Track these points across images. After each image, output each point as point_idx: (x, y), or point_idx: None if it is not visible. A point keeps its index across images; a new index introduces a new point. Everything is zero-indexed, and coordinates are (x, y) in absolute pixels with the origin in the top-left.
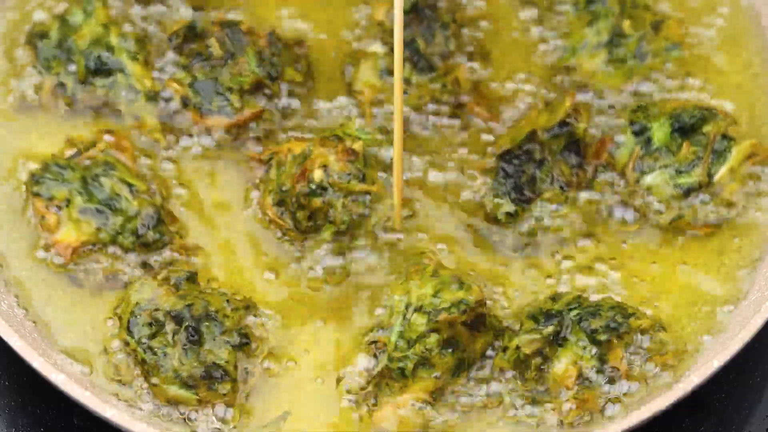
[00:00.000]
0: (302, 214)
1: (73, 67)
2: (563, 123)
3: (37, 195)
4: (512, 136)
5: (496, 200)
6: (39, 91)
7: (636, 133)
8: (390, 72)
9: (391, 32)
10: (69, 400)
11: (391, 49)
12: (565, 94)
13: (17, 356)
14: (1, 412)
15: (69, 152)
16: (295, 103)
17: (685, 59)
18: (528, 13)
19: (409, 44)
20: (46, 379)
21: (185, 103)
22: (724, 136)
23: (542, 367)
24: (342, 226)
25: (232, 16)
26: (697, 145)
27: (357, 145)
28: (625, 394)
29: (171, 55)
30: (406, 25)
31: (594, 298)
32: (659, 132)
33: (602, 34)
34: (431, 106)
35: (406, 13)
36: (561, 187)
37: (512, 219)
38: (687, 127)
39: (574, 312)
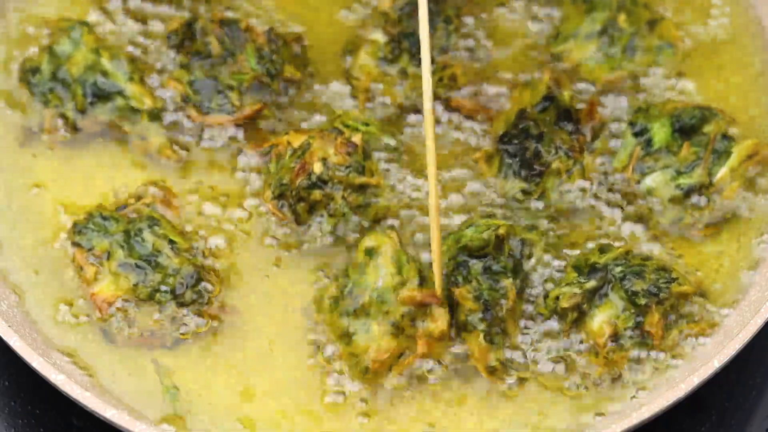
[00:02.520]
0: (302, 207)
1: (70, 98)
2: (547, 97)
3: (78, 245)
4: (503, 119)
5: (508, 181)
6: (41, 126)
7: (636, 134)
8: (388, 60)
9: (394, 22)
10: (68, 400)
11: (392, 39)
12: (543, 69)
13: (17, 356)
14: (0, 412)
15: (115, 205)
16: (296, 99)
17: (683, 58)
18: (526, 4)
19: (409, 35)
20: (46, 379)
21: (185, 101)
22: (725, 136)
23: (577, 321)
24: (341, 219)
25: (229, 13)
26: (697, 145)
27: (356, 137)
28: (653, 360)
29: (170, 54)
30: (409, 16)
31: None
32: (660, 133)
33: (596, 24)
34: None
35: (409, 3)
36: (566, 154)
37: (528, 196)
38: (687, 127)
39: (619, 269)
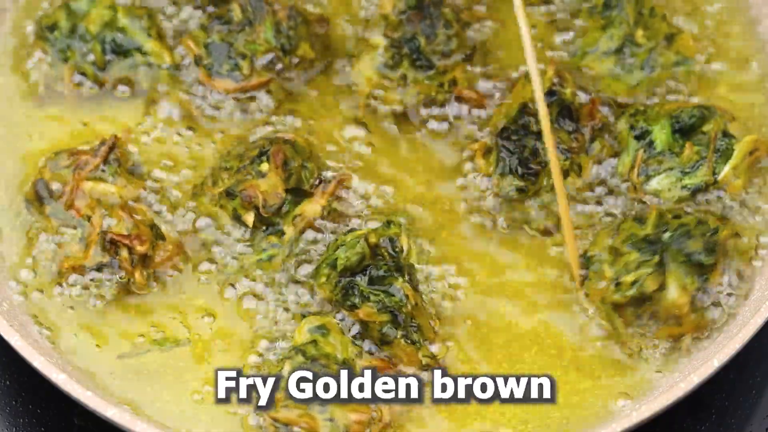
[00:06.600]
0: (233, 204)
1: (90, 54)
2: (550, 92)
3: None
4: (504, 112)
5: (505, 178)
6: (60, 81)
7: (637, 138)
8: (388, 66)
9: (394, 26)
10: (69, 400)
11: (392, 44)
12: (547, 63)
13: (18, 356)
14: (1, 412)
15: None
16: (303, 82)
17: (698, 78)
18: (541, 14)
19: (409, 41)
20: (47, 378)
21: (197, 63)
22: (725, 134)
23: (655, 300)
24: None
25: None
26: (699, 144)
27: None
28: (731, 310)
29: (193, 12)
30: (408, 21)
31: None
32: (660, 134)
33: (614, 40)
34: (426, 106)
35: (409, 8)
36: (564, 155)
37: (524, 194)
38: (687, 127)
39: (667, 234)
